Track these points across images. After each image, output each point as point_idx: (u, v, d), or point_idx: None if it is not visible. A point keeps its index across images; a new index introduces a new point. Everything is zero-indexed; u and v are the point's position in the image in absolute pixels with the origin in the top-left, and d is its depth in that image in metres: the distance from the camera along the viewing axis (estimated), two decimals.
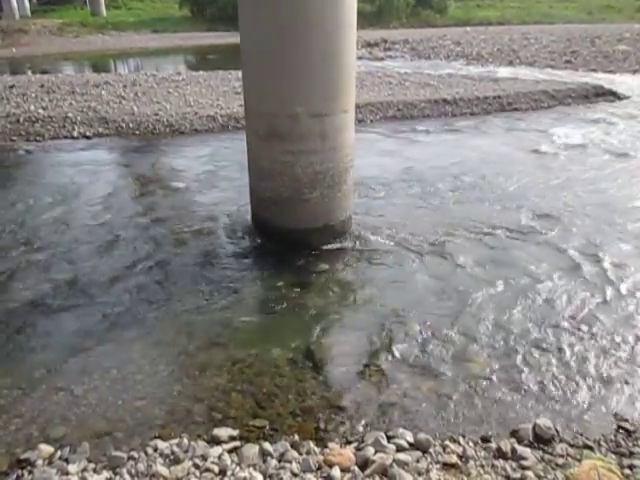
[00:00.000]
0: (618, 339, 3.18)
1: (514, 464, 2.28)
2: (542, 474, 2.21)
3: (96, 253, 4.21)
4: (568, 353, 3.06)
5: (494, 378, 2.85)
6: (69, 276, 3.87)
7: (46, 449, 2.35)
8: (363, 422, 2.55)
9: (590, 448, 2.37)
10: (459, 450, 2.35)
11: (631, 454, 2.34)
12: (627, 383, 2.82)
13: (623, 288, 3.71)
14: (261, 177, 4.26)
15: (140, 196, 5.49)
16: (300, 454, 2.32)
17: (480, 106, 9.38)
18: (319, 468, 2.25)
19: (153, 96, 9.36)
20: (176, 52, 19.61)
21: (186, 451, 2.33)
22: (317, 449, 2.35)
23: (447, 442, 2.40)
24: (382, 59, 16.69)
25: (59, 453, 2.34)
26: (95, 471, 2.24)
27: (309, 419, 2.57)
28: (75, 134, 7.58)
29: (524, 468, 2.25)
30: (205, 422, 2.54)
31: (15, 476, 2.22)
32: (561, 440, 2.42)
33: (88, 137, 7.55)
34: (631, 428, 2.50)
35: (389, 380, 2.84)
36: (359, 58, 14.86)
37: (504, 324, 3.32)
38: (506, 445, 2.37)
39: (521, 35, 21.07)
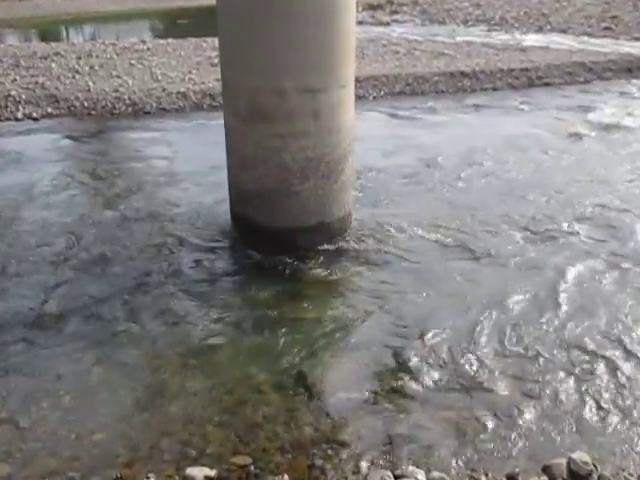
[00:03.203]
0: None
1: None
2: None
3: (46, 260, 4.19)
4: (605, 377, 3.07)
5: (521, 405, 2.86)
6: (14, 289, 3.85)
7: None
8: (366, 459, 2.55)
9: None
10: None
11: None
12: None
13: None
14: (242, 165, 4.25)
15: (97, 190, 5.48)
16: None
17: (504, 80, 9.41)
18: None
19: (112, 69, 9.33)
20: (140, 17, 19.57)
21: None
22: None
23: None
24: (387, 24, 16.73)
25: None
26: None
27: (301, 456, 2.57)
28: (19, 115, 7.55)
29: None
30: (177, 460, 2.53)
31: None
32: (600, 477, 2.43)
33: (35, 119, 7.52)
34: None
35: (397, 408, 2.84)
36: (360, 23, 14.88)
37: (532, 342, 3.33)
38: None
39: None
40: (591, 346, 3.28)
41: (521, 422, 2.76)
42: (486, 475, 2.46)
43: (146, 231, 4.61)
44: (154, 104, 7.95)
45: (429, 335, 3.36)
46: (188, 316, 3.55)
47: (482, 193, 5.35)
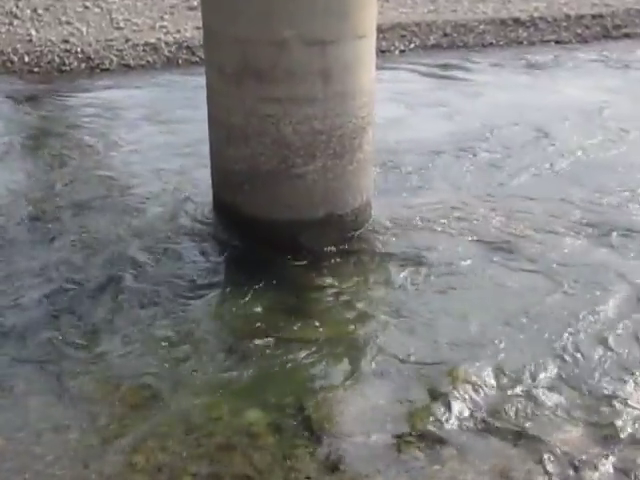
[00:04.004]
0: None
1: None
2: None
3: None
4: None
5: (588, 456, 2.84)
6: None
7: None
8: None
9: None
10: None
11: None
12: None
13: None
14: (229, 140, 4.25)
15: (40, 171, 5.49)
16: None
17: (572, 30, 9.36)
18: None
19: (61, 14, 9.33)
20: None
21: None
22: None
23: None
24: None
25: None
26: None
27: None
28: None
29: None
30: None
31: None
32: None
33: None
34: None
35: (428, 457, 2.83)
36: None
37: (603, 375, 3.32)
38: None
39: None
40: None
41: (588, 478, 2.75)
42: None
43: (103, 225, 4.62)
44: (114, 59, 7.95)
45: (469, 363, 3.36)
46: (158, 335, 3.56)
47: (549, 179, 5.34)
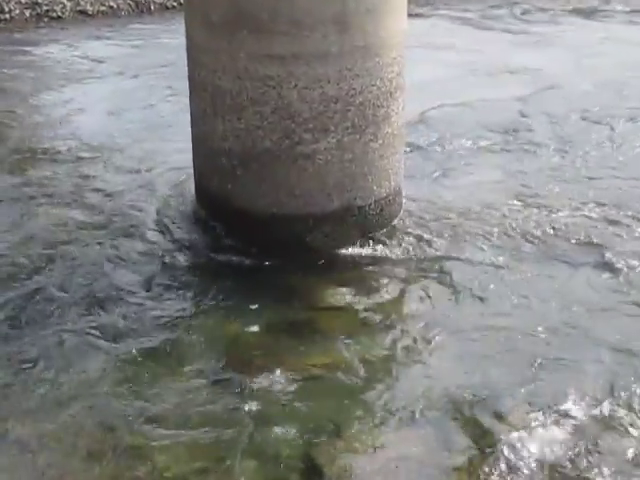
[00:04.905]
0: None
1: None
2: None
3: None
4: None
5: None
6: None
7: None
8: None
9: None
10: None
11: None
12: None
13: None
14: (216, 110, 4.28)
15: None
16: None
17: None
18: None
19: None
20: None
21: None
22: None
23: None
24: None
25: None
26: None
27: None
28: None
29: None
30: None
31: None
32: None
33: None
34: None
35: None
36: None
37: None
38: None
39: None
40: None
41: None
42: None
43: (55, 219, 4.66)
44: (68, 4, 7.99)
45: (528, 402, 3.36)
46: (128, 362, 3.58)
47: (622, 160, 5.36)
